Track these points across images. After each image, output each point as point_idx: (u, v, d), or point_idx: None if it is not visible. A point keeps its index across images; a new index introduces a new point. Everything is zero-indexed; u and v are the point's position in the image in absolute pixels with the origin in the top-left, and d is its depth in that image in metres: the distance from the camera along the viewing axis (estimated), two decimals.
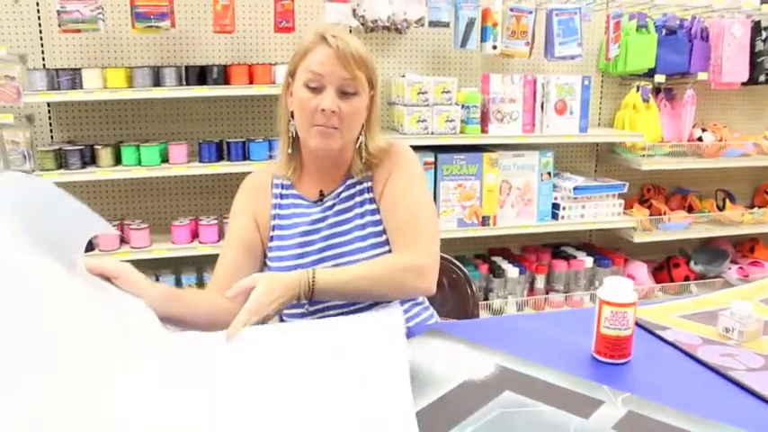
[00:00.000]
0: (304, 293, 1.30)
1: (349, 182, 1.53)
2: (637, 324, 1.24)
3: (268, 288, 1.26)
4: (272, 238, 1.54)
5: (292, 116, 1.47)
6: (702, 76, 3.56)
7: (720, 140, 3.65)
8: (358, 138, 1.49)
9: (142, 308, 1.16)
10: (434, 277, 1.40)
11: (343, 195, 1.53)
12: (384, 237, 1.49)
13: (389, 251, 1.48)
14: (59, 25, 2.73)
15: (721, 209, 3.86)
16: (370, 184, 1.53)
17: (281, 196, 1.56)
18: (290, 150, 1.52)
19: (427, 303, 1.64)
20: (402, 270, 1.37)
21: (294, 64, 1.44)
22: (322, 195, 1.54)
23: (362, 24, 3.11)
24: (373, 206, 1.52)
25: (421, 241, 1.42)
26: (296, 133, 1.49)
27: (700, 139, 3.65)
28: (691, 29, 3.54)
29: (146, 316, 1.15)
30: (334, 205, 1.52)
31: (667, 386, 1.13)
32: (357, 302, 1.47)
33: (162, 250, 2.93)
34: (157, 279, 3.05)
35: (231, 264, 1.50)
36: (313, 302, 1.42)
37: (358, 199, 1.52)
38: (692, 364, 1.23)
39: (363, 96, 1.44)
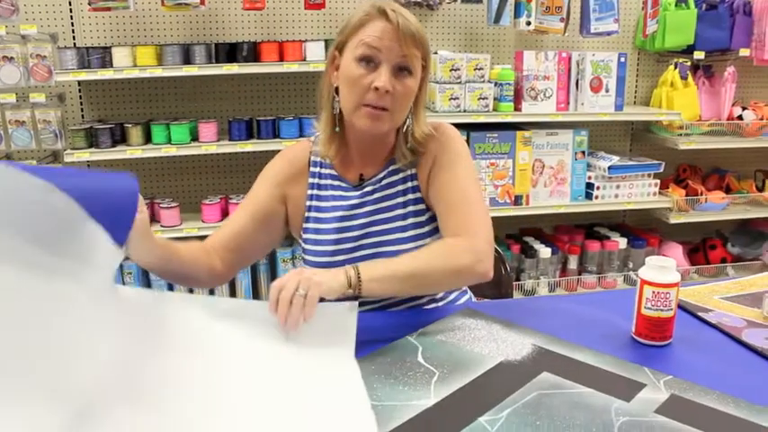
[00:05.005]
0: (352, 285, 1.18)
1: (392, 167, 1.45)
2: (677, 306, 1.20)
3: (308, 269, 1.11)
4: (307, 219, 1.48)
5: (336, 92, 1.39)
6: (744, 52, 3.45)
7: (761, 119, 3.54)
8: (405, 121, 1.41)
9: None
10: (490, 261, 1.30)
11: (384, 182, 1.45)
12: (426, 228, 1.43)
13: (431, 242, 1.41)
14: (89, 3, 2.74)
15: (760, 189, 3.75)
16: (414, 171, 1.45)
17: (320, 176, 1.49)
18: (336, 129, 1.42)
19: (465, 287, 1.59)
20: (457, 252, 1.28)
21: (345, 36, 1.36)
22: (362, 180, 1.47)
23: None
24: (417, 195, 1.44)
25: (473, 224, 1.33)
26: (339, 111, 1.40)
27: (740, 117, 3.55)
28: (732, 3, 3.43)
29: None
30: (374, 191, 1.45)
31: (711, 370, 1.09)
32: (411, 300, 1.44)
33: (192, 229, 2.93)
34: None
35: (239, 227, 1.45)
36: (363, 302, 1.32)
37: (401, 187, 1.45)
38: (736, 348, 1.19)
39: (417, 77, 1.36)
